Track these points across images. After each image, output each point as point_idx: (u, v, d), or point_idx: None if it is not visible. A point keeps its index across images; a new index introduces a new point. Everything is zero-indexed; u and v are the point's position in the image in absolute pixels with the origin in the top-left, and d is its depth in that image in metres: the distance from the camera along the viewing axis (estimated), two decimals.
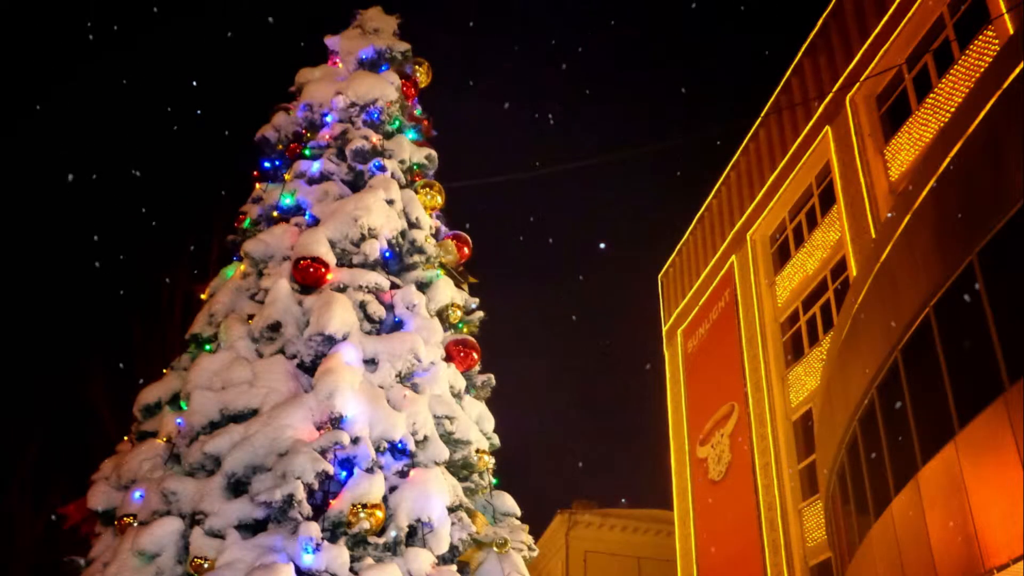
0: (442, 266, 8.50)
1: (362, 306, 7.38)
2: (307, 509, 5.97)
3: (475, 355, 7.95)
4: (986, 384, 8.60)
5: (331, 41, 10.19)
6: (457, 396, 7.58)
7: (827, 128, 20.00)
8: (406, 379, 7.17)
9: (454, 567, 6.55)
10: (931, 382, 9.93)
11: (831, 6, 20.65)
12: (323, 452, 6.18)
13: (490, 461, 7.48)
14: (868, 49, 18.55)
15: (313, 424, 6.41)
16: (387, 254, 8.02)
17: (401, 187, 8.51)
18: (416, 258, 8.20)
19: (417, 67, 10.05)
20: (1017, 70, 8.70)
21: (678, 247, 28.85)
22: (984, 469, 8.66)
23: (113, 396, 17.29)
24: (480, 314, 8.45)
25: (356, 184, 8.62)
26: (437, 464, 6.80)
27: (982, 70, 12.20)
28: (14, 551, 17.65)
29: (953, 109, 13.15)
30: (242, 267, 8.12)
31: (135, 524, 6.53)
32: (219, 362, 7.05)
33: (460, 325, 8.16)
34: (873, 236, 16.60)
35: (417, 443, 6.71)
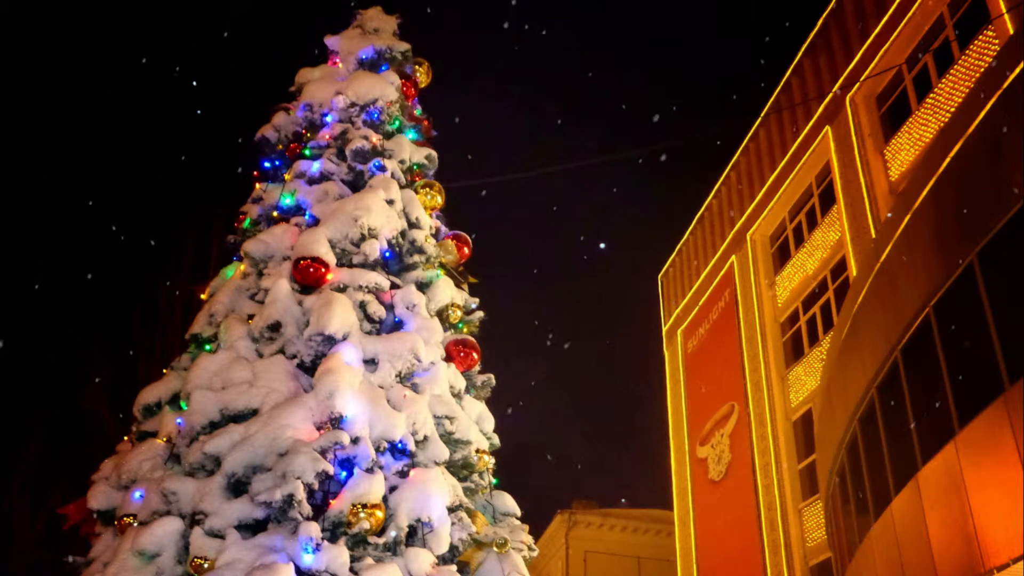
0: (442, 266, 8.51)
1: (362, 306, 7.38)
2: (307, 509, 5.97)
3: (475, 355, 7.95)
4: (986, 384, 8.60)
5: (331, 41, 10.19)
6: (457, 396, 7.58)
7: (827, 128, 20.00)
8: (406, 379, 7.17)
9: (454, 567, 6.55)
10: (931, 382, 9.93)
11: (831, 6, 20.65)
12: (323, 452, 6.18)
13: (490, 461, 7.48)
14: (868, 49, 18.55)
15: (313, 424, 6.41)
16: (387, 254, 8.02)
17: (401, 187, 8.50)
18: (416, 258, 8.20)
19: (417, 67, 10.05)
20: (1017, 70, 8.70)
21: (678, 247, 28.86)
22: (984, 469, 8.65)
23: (113, 396, 17.32)
24: (480, 314, 8.45)
25: (356, 184, 8.62)
26: (437, 464, 6.80)
27: (982, 70, 12.20)
28: (14, 551, 17.64)
29: (953, 109, 13.15)
30: (242, 267, 8.12)
31: (135, 524, 6.53)
32: (219, 362, 7.05)
33: (460, 325, 8.16)
34: (873, 236, 16.60)
35: (417, 443, 6.72)
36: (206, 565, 5.94)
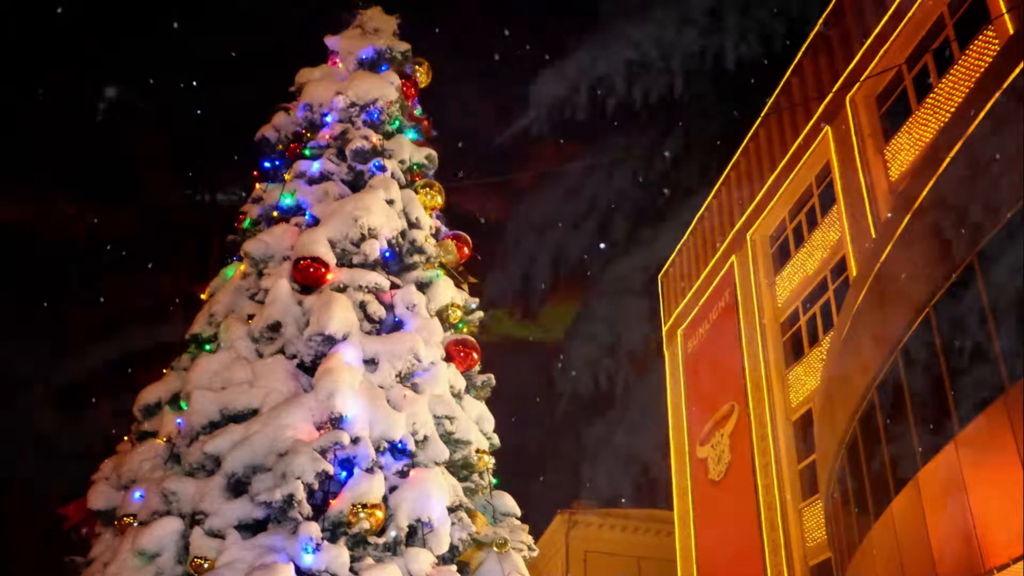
0: (442, 266, 8.51)
1: (362, 306, 7.39)
2: (307, 509, 5.97)
3: (475, 355, 7.96)
4: (986, 384, 8.60)
5: (331, 41, 10.19)
6: (457, 396, 7.58)
7: (827, 128, 19.99)
8: (406, 379, 7.17)
9: (454, 567, 6.55)
10: (931, 382, 9.93)
11: (831, 6, 20.65)
12: (323, 452, 6.18)
13: (490, 461, 7.48)
14: (868, 49, 18.54)
15: (313, 424, 6.41)
16: (387, 254, 8.02)
17: (401, 187, 8.51)
18: (416, 258, 8.21)
19: (417, 67, 10.06)
20: (1017, 70, 8.70)
21: (678, 247, 28.86)
22: (984, 469, 8.65)
23: (113, 396, 17.35)
24: (480, 314, 8.45)
25: (356, 184, 8.63)
26: (437, 464, 6.80)
27: (982, 70, 12.21)
28: (14, 551, 17.67)
29: (953, 109, 13.15)
30: (242, 267, 8.12)
31: (135, 524, 6.53)
32: (219, 362, 7.06)
33: (460, 325, 8.16)
34: (873, 236, 16.60)
35: (417, 443, 6.72)
36: (206, 565, 5.94)
